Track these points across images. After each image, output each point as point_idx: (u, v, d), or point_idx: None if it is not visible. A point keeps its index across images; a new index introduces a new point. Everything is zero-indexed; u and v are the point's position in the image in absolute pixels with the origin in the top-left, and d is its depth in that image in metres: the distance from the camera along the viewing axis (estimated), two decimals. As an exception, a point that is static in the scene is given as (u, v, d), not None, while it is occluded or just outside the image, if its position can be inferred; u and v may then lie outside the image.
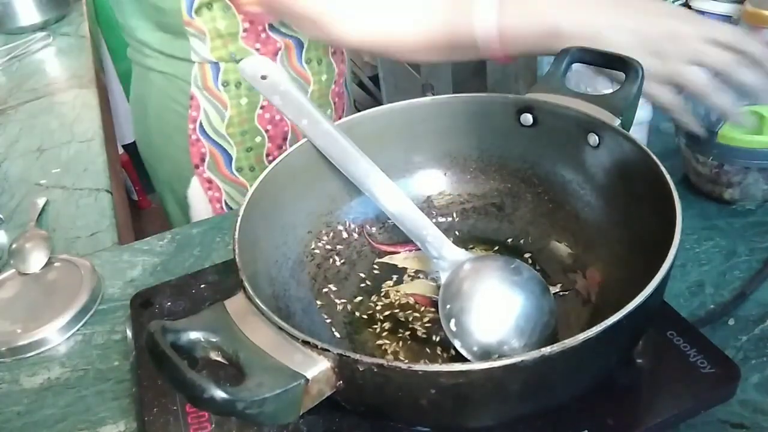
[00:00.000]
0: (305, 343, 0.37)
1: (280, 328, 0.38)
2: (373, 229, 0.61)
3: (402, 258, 0.59)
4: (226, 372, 0.41)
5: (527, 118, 0.56)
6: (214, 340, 0.38)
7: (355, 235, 0.60)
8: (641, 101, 0.55)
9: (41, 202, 0.85)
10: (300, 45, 0.84)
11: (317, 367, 0.36)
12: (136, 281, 0.67)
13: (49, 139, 1.05)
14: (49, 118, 1.12)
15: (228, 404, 0.33)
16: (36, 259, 0.70)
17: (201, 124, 0.85)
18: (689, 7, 0.90)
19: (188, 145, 0.87)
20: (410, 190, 0.61)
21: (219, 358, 0.39)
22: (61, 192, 0.90)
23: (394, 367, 0.35)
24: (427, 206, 0.62)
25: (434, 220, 0.56)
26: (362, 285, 0.57)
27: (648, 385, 0.46)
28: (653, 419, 0.43)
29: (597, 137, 0.52)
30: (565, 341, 0.35)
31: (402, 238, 0.58)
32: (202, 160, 0.88)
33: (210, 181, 0.90)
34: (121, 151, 1.30)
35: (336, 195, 0.59)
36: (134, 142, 1.02)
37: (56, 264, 0.70)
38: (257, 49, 0.81)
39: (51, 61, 1.39)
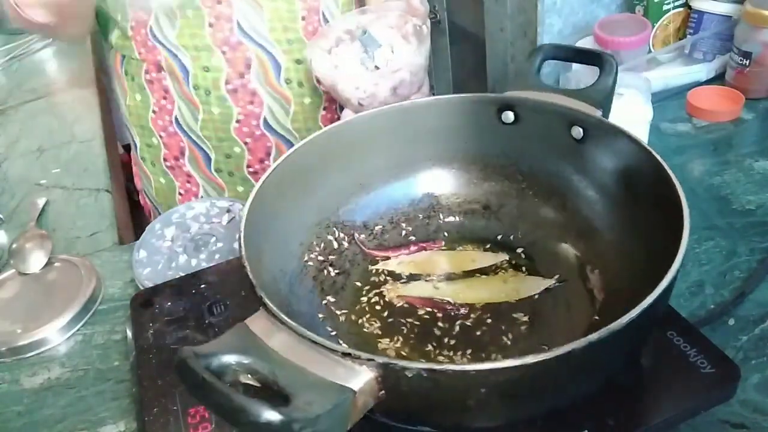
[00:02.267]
0: (346, 355, 0.36)
1: (316, 343, 0.37)
2: (362, 236, 0.60)
3: (396, 263, 0.58)
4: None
5: (508, 116, 0.57)
6: (246, 362, 0.36)
7: (346, 244, 0.59)
8: (642, 101, 0.56)
9: (41, 202, 0.85)
10: (277, 64, 0.81)
11: (361, 378, 0.35)
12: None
13: (49, 139, 1.05)
14: (49, 119, 1.12)
15: (285, 426, 0.32)
16: (36, 259, 0.70)
17: (177, 118, 0.85)
18: (690, 8, 0.90)
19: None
20: (399, 192, 0.61)
21: (250, 381, 0.37)
22: (61, 192, 0.90)
23: (444, 370, 0.34)
24: (413, 209, 0.62)
25: (420, 222, 0.56)
26: (360, 293, 0.56)
27: (648, 385, 0.46)
28: (653, 419, 0.43)
29: (581, 130, 0.53)
30: (572, 343, 0.34)
31: (392, 244, 0.58)
32: (182, 153, 0.87)
33: (189, 176, 0.89)
34: (121, 151, 1.29)
35: (323, 205, 0.58)
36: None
37: (56, 264, 0.70)
38: (223, 52, 0.79)
39: (51, 61, 1.39)
